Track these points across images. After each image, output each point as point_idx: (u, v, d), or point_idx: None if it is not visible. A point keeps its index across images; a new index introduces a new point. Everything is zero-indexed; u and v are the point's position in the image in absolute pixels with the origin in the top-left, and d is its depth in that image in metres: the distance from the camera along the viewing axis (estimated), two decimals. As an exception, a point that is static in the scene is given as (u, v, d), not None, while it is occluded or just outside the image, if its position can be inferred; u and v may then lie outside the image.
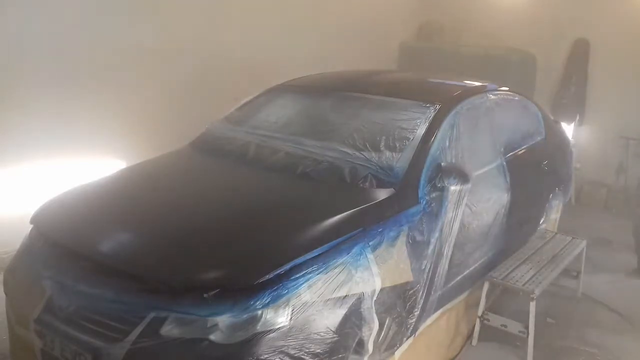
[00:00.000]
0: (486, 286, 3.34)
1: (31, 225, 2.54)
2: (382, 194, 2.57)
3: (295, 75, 3.77)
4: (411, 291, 2.59)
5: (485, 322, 3.34)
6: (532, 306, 3.17)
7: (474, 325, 3.40)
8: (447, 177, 2.74)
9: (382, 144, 2.80)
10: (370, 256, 2.29)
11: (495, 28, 7.03)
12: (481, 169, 3.19)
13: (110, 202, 2.58)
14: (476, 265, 3.35)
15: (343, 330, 2.13)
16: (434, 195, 2.73)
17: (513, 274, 3.42)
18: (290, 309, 2.00)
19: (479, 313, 3.34)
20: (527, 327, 3.17)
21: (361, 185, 2.62)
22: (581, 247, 4.04)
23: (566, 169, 4.70)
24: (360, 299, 2.22)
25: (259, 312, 1.96)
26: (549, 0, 6.82)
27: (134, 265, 2.11)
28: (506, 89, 3.92)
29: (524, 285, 3.27)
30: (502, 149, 3.49)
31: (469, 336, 3.42)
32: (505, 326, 3.27)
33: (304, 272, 2.06)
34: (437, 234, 2.72)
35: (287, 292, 2.00)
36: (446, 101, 3.13)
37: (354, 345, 2.24)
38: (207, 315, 1.94)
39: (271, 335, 1.95)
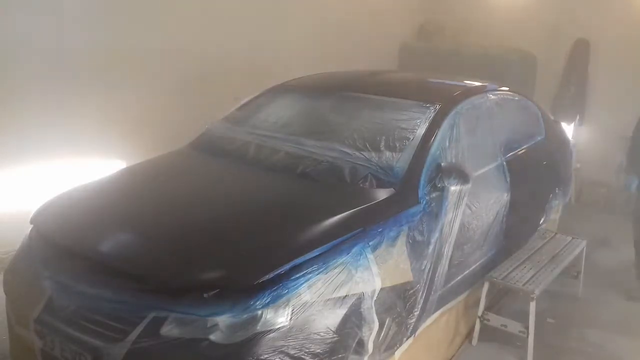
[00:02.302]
0: (486, 286, 3.34)
1: (31, 225, 2.54)
2: (382, 194, 2.57)
3: (295, 75, 3.77)
4: (411, 291, 2.59)
5: (485, 322, 3.34)
6: (532, 306, 3.17)
7: (474, 326, 3.40)
8: (447, 177, 2.74)
9: (382, 144, 2.80)
10: (370, 256, 2.29)
11: (495, 28, 7.02)
12: (481, 169, 3.19)
13: (110, 202, 2.58)
14: (476, 265, 3.35)
15: (343, 330, 2.13)
16: (434, 195, 2.73)
17: (513, 274, 3.41)
18: (290, 309, 2.00)
19: (479, 313, 3.34)
20: (527, 327, 3.17)
21: (361, 185, 2.62)
22: (581, 247, 4.04)
23: (566, 169, 4.69)
24: (360, 299, 2.21)
25: (259, 312, 1.96)
26: (549, 0, 6.82)
27: (134, 265, 2.11)
28: (506, 89, 3.92)
29: (524, 285, 3.27)
30: (502, 149, 3.49)
31: (469, 336, 3.42)
32: (505, 326, 3.27)
33: (304, 272, 2.06)
34: (437, 234, 2.72)
35: (287, 292, 2.00)
36: (446, 101, 3.13)
37: (354, 345, 2.24)
38: (207, 315, 1.94)
39: (271, 335, 1.95)
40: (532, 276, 3.40)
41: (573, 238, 4.13)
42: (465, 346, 3.37)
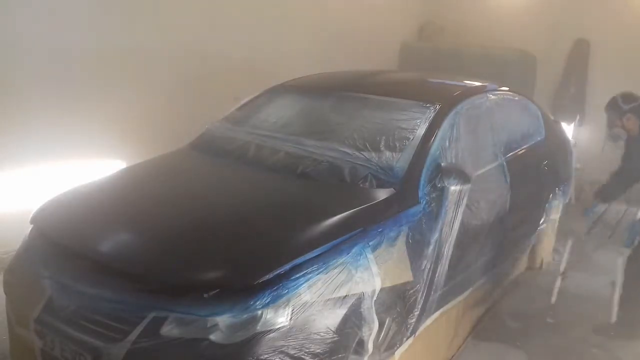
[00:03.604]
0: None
1: (31, 225, 2.54)
2: (382, 194, 2.57)
3: (295, 75, 3.77)
4: (411, 291, 2.59)
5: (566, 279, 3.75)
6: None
7: (474, 325, 3.40)
8: (447, 177, 2.73)
9: (382, 144, 2.80)
10: (370, 256, 2.29)
11: (495, 28, 7.03)
12: (481, 169, 3.19)
13: (110, 202, 2.58)
14: (476, 265, 3.35)
15: (343, 330, 2.13)
16: (434, 195, 2.72)
17: None
18: (290, 309, 2.00)
19: (561, 270, 3.78)
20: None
21: (361, 185, 2.62)
22: None
23: (566, 169, 4.69)
24: (360, 299, 2.21)
25: (259, 312, 1.96)
26: (549, 0, 6.82)
27: (134, 265, 2.11)
28: (506, 89, 3.92)
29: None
30: (502, 149, 3.48)
31: (469, 336, 3.42)
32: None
33: (304, 272, 2.06)
34: (437, 234, 2.72)
35: (287, 292, 2.00)
36: (446, 101, 3.13)
37: (354, 345, 2.24)
38: (207, 315, 1.94)
39: (271, 335, 1.95)
40: None
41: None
42: (465, 346, 3.37)
